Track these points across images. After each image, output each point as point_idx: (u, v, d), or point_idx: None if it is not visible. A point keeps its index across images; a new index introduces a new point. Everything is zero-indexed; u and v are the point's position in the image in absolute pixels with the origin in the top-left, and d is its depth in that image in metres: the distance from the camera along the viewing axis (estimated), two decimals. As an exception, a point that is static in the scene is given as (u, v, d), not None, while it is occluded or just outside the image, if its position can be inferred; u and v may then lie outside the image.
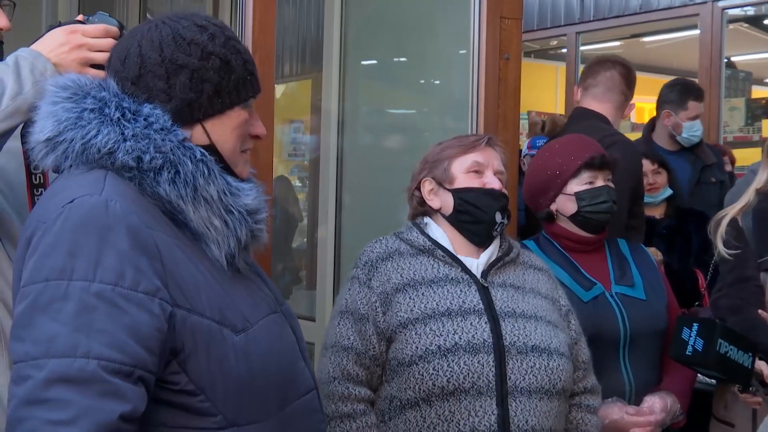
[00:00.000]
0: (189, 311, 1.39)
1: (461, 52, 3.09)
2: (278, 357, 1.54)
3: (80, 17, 1.77)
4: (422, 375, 1.99)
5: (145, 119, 1.45)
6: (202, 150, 1.49)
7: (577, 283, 2.49)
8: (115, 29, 1.74)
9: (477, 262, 2.13)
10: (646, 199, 4.18)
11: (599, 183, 2.52)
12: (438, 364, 1.99)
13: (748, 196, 2.66)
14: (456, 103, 3.10)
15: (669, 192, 4.14)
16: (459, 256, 2.13)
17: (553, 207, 2.56)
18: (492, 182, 2.15)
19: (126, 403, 1.29)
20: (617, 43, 7.99)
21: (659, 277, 2.69)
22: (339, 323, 2.10)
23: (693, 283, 3.72)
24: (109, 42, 1.69)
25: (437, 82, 3.64)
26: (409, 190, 2.26)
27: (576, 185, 2.52)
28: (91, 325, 1.29)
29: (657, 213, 4.16)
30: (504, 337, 2.04)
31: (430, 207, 2.20)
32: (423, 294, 2.06)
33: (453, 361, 1.99)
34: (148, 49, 1.48)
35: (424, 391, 1.99)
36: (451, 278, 2.10)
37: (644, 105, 10.70)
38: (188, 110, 1.50)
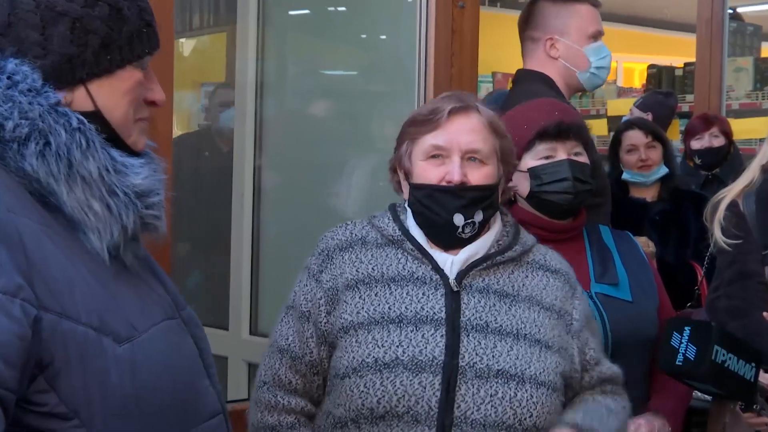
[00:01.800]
0: (60, 315, 1.38)
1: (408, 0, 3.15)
2: (174, 373, 1.55)
3: None
4: (352, 391, 2.01)
5: (9, 78, 1.44)
6: (80, 117, 1.49)
7: None
8: None
9: (453, 259, 2.12)
10: (637, 179, 4.27)
11: (560, 156, 2.51)
12: (370, 380, 2.00)
13: (752, 174, 2.68)
14: (401, 61, 3.18)
15: (664, 171, 4.24)
16: (431, 252, 2.12)
17: (511, 186, 2.53)
18: (453, 173, 2.09)
19: None
20: (600, -10, 8.24)
21: (650, 273, 2.73)
22: (282, 319, 2.16)
23: (691, 280, 3.81)
24: None
25: (380, 36, 3.72)
26: (390, 168, 2.28)
27: (530, 160, 2.53)
28: None
29: (649, 195, 4.27)
30: (461, 356, 2.03)
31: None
32: (376, 294, 2.08)
33: (388, 379, 2.00)
34: None
35: (353, 410, 2.01)
36: (417, 277, 2.10)
37: (634, 65, 10.92)
38: (68, 68, 1.50)
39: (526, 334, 2.10)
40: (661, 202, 4.24)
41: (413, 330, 2.04)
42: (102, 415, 1.42)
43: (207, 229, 4.37)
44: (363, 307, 2.07)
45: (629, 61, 10.98)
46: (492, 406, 2.01)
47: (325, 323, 2.09)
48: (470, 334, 2.05)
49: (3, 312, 1.32)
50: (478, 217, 2.11)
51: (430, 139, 2.10)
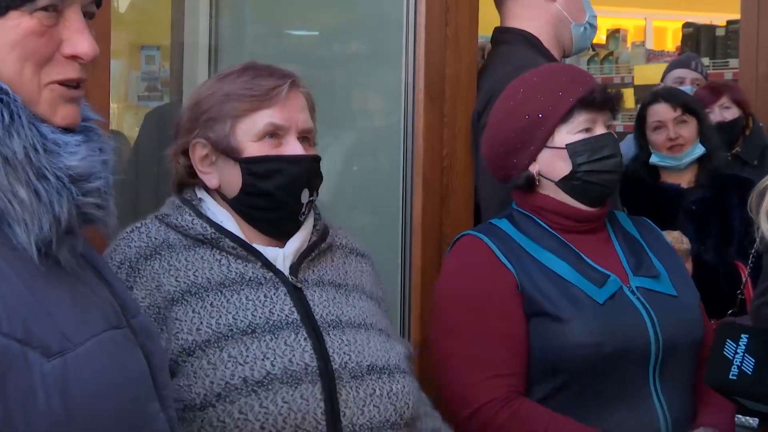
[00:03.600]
0: None
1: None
2: (116, 394, 1.56)
3: None
4: (224, 422, 2.06)
5: None
6: (3, 85, 1.50)
7: (585, 278, 2.55)
8: None
9: (282, 252, 2.23)
10: (667, 162, 4.30)
11: (599, 130, 2.58)
12: (246, 404, 2.06)
13: None
14: (385, 20, 3.20)
15: (701, 150, 4.26)
16: (256, 246, 2.21)
17: (533, 168, 2.60)
18: (295, 150, 2.22)
19: None
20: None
21: (681, 263, 2.81)
22: None
23: (734, 282, 3.84)
24: None
25: None
26: (172, 151, 2.31)
27: (567, 134, 2.57)
28: None
29: (684, 181, 4.31)
30: (332, 358, 2.15)
31: (202, 182, 2.27)
32: (212, 305, 2.13)
33: (267, 399, 2.07)
34: None
35: None
36: (249, 279, 2.17)
37: (666, 24, 10.97)
38: None
39: (371, 324, 2.27)
40: (699, 188, 4.26)
41: (272, 338, 2.12)
42: None
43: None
44: (202, 322, 2.12)
45: (660, 19, 11.06)
46: (374, 406, 2.16)
47: (182, 340, 2.12)
48: (330, 333, 2.18)
49: None
50: (315, 195, 2.26)
51: (266, 118, 2.20)
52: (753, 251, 3.04)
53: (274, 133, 2.21)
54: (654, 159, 4.33)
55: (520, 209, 2.67)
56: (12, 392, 1.42)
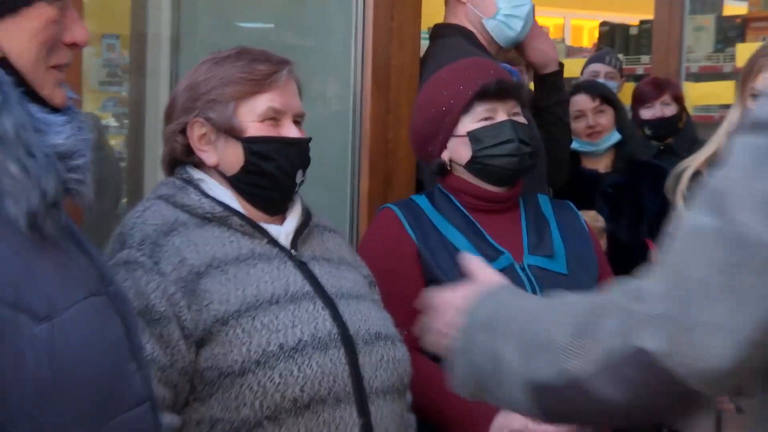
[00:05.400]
0: None
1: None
2: (98, 356, 1.56)
3: None
4: (264, 386, 2.05)
5: None
6: None
7: (480, 253, 2.55)
8: None
9: (283, 230, 2.24)
10: (586, 148, 4.36)
11: (500, 117, 2.65)
12: (285, 368, 2.07)
13: (717, 142, 2.81)
14: (336, 14, 3.25)
15: (617, 137, 4.32)
16: (261, 224, 2.22)
17: (445, 155, 2.70)
18: (293, 133, 2.24)
19: None
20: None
21: (590, 245, 2.86)
22: None
23: (646, 257, 3.90)
24: None
25: None
26: (168, 130, 2.28)
27: (470, 123, 2.65)
28: None
29: (601, 166, 4.36)
30: (347, 325, 2.17)
31: (200, 160, 2.25)
32: (235, 276, 2.12)
33: (303, 363, 2.08)
34: None
35: (269, 407, 2.06)
36: (259, 254, 2.17)
37: (583, 23, 11.08)
38: None
39: (365, 295, 2.31)
40: (615, 173, 4.32)
41: (296, 308, 2.13)
42: (16, 401, 1.44)
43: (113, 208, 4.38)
44: (230, 293, 2.10)
45: (578, 18, 11.17)
46: (384, 370, 2.20)
47: (190, 320, 2.08)
48: (340, 302, 2.20)
49: None
50: (305, 177, 2.28)
51: (267, 102, 2.21)
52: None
53: (274, 116, 2.22)
54: (575, 145, 4.34)
55: (441, 188, 2.75)
56: (3, 354, 1.42)
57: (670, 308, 1.28)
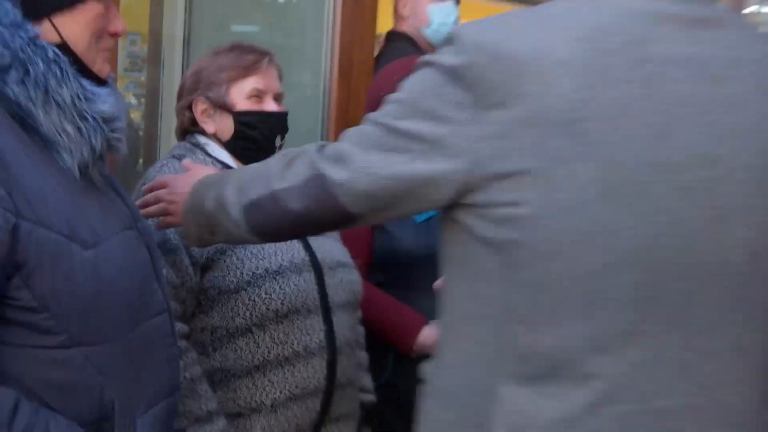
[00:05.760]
0: (35, 224, 1.40)
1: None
2: (130, 275, 1.58)
3: None
4: (253, 300, 2.07)
5: None
6: (56, 49, 1.50)
7: None
8: None
9: None
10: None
11: None
12: (269, 287, 2.08)
13: None
14: (311, 18, 3.25)
15: None
16: None
17: None
18: (271, 108, 2.24)
19: None
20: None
21: None
22: None
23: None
24: None
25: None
26: (179, 106, 2.30)
27: None
28: None
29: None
30: (316, 254, 2.19)
31: (200, 130, 2.26)
32: None
33: (284, 283, 2.09)
34: None
35: (257, 316, 2.07)
36: None
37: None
38: (34, 3, 1.50)
39: (331, 235, 2.30)
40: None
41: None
42: (68, 309, 1.45)
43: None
44: None
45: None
46: (343, 290, 2.20)
47: (196, 250, 2.08)
48: (312, 239, 2.20)
49: None
50: (283, 141, 2.26)
51: (252, 83, 2.22)
52: None
53: (257, 95, 2.22)
54: None
55: None
56: (60, 273, 1.43)
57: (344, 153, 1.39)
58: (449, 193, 1.31)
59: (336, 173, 1.39)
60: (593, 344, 1.27)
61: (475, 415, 1.34)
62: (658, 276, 1.26)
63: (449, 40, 1.34)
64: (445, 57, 1.32)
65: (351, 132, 1.44)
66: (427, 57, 1.37)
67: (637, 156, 1.24)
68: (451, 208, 1.34)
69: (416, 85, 1.36)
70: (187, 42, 3.59)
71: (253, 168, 1.63)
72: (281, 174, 1.49)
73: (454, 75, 1.29)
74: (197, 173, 1.84)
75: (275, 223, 1.53)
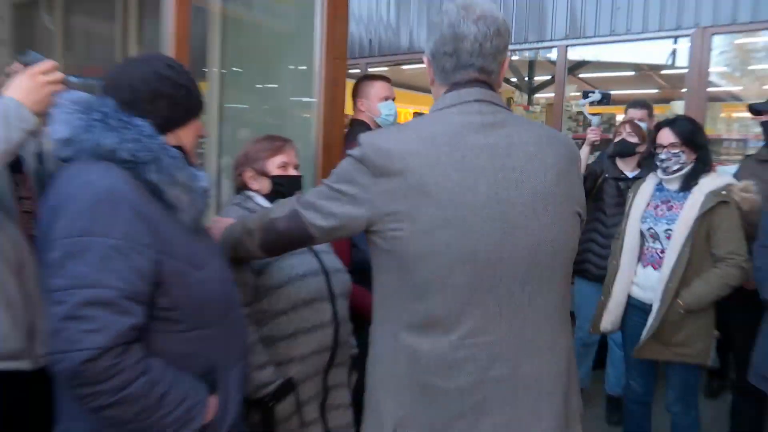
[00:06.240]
0: (169, 257, 1.50)
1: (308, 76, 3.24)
2: (223, 285, 1.65)
3: (18, 64, 1.78)
4: (290, 293, 2.15)
5: (136, 128, 1.54)
6: (175, 149, 1.59)
7: None
8: (53, 62, 1.74)
9: None
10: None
11: None
12: (299, 285, 2.17)
13: None
14: (305, 38, 3.23)
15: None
16: None
17: None
18: (293, 173, 2.32)
19: (134, 318, 1.43)
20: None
21: None
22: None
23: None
24: (59, 75, 1.72)
25: (292, 96, 3.63)
26: (235, 174, 2.35)
27: None
28: (108, 266, 1.41)
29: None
30: (324, 264, 2.26)
31: (249, 188, 2.32)
32: None
33: (307, 282, 2.19)
34: (137, 81, 1.60)
35: (292, 303, 2.15)
36: None
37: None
38: (166, 123, 1.63)
39: (329, 250, 2.36)
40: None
41: (301, 255, 2.24)
42: (190, 308, 1.55)
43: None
44: None
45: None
46: (342, 286, 2.30)
47: (254, 262, 2.12)
48: (320, 254, 2.29)
49: (144, 257, 1.47)
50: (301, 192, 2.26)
51: (281, 158, 2.32)
52: None
53: (284, 165, 2.33)
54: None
55: None
56: (184, 286, 1.53)
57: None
58: (363, 225, 1.57)
59: (305, 211, 1.64)
60: (448, 310, 1.53)
61: (392, 351, 1.60)
62: (478, 269, 1.52)
63: (358, 142, 1.59)
64: (355, 151, 1.58)
65: (314, 189, 1.66)
66: (348, 151, 1.62)
67: (457, 202, 1.50)
68: (368, 232, 1.58)
69: (343, 165, 1.61)
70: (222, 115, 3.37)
71: (265, 209, 1.83)
72: (275, 210, 1.72)
73: (359, 160, 1.56)
74: (224, 222, 1.99)
75: (270, 238, 1.71)
